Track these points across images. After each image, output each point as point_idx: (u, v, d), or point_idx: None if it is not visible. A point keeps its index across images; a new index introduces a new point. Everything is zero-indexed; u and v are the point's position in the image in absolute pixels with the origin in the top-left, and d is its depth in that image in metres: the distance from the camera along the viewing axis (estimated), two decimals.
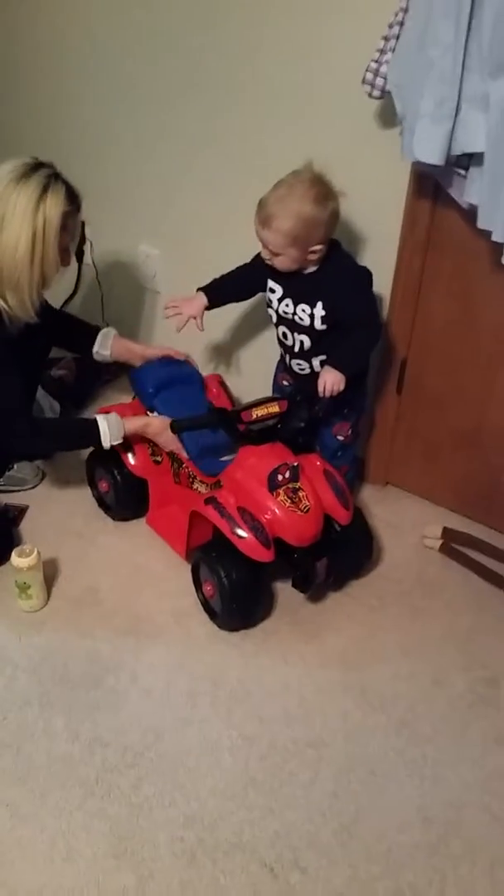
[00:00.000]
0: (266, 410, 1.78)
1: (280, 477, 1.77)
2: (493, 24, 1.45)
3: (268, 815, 1.47)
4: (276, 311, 1.92)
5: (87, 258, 2.56)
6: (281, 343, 2.00)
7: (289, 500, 1.76)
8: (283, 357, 2.06)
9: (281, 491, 1.77)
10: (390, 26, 1.63)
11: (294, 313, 1.87)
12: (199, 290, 2.01)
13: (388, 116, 1.81)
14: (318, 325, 1.85)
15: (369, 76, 1.68)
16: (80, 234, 2.48)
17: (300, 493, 1.78)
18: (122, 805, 1.48)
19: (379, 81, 1.67)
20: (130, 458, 2.02)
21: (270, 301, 1.92)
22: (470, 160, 1.63)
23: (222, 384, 2.22)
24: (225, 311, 2.12)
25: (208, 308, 2.01)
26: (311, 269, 1.81)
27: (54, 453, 2.06)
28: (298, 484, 1.79)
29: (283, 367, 2.09)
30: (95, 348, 2.13)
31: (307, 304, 1.84)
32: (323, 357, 1.89)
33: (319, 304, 1.81)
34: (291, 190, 1.70)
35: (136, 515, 2.12)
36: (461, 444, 2.09)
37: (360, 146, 1.90)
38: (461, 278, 1.91)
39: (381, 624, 1.87)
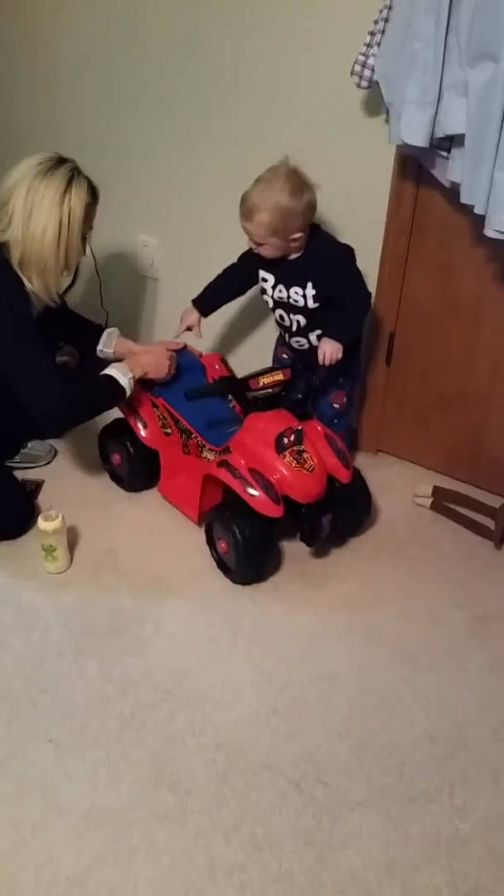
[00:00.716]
0: (272, 378, 1.93)
1: (286, 440, 1.92)
2: (469, 18, 1.62)
3: (290, 738, 1.62)
4: (272, 297, 2.08)
5: (86, 248, 2.69)
6: (279, 324, 2.16)
7: (295, 461, 1.91)
8: (281, 335, 2.22)
9: (287, 453, 1.92)
10: (375, 22, 1.79)
11: (288, 297, 2.04)
12: (192, 301, 2.18)
13: (374, 107, 1.97)
14: (310, 304, 2.01)
15: (357, 68, 1.84)
16: None
17: (305, 455, 1.93)
18: (156, 736, 1.61)
19: (367, 73, 1.84)
20: (142, 431, 2.15)
21: (265, 289, 2.09)
22: (451, 142, 1.79)
23: (223, 361, 2.36)
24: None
25: (204, 316, 2.18)
26: (296, 254, 1.98)
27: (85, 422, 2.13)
28: (303, 446, 1.94)
29: (282, 343, 2.25)
30: (99, 346, 2.23)
31: (298, 286, 2.00)
32: (318, 332, 2.05)
33: (309, 285, 1.98)
34: (269, 184, 1.87)
35: (147, 486, 2.25)
36: (446, 410, 2.26)
37: (348, 136, 2.06)
38: (443, 254, 2.08)
39: (381, 572, 2.03)
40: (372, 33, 1.81)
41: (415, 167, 1.99)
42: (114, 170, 2.56)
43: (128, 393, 2.03)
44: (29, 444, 2.30)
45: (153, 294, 2.70)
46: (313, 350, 2.00)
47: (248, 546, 1.89)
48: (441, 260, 2.09)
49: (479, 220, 1.80)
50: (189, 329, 2.21)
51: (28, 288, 1.91)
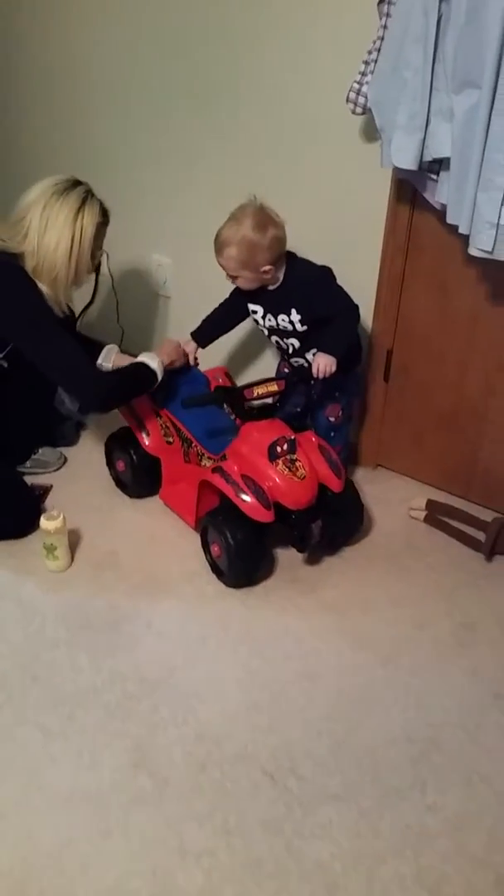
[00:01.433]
0: (266, 389, 2.01)
1: (279, 449, 1.99)
2: (454, 49, 1.71)
3: (269, 733, 1.67)
4: (265, 327, 2.20)
5: (104, 268, 2.81)
6: (278, 348, 2.26)
7: (287, 469, 1.98)
8: (282, 355, 2.31)
9: (280, 461, 1.98)
10: (369, 52, 1.89)
11: (277, 324, 2.15)
12: (191, 334, 2.30)
13: (370, 133, 2.07)
14: (299, 328, 2.12)
15: (352, 95, 1.94)
16: None
17: (297, 463, 2.00)
18: (140, 725, 1.67)
19: (361, 100, 1.93)
20: (145, 439, 2.24)
21: (257, 320, 2.21)
22: (440, 166, 1.88)
23: (228, 375, 2.45)
24: None
25: (202, 347, 2.30)
26: (275, 285, 2.10)
27: (122, 404, 2.24)
28: (296, 455, 2.01)
29: (283, 360, 2.33)
30: (99, 360, 2.31)
31: (284, 313, 2.11)
32: (314, 350, 2.14)
33: (293, 311, 2.09)
34: (237, 221, 2.00)
35: (150, 493, 2.33)
36: (442, 426, 2.31)
37: (346, 160, 2.16)
38: (438, 274, 2.15)
39: (371, 580, 2.08)
40: (366, 62, 1.90)
41: (410, 190, 2.07)
42: (131, 194, 2.70)
43: (159, 377, 2.13)
44: (39, 451, 2.40)
45: (165, 312, 2.81)
46: (309, 365, 2.09)
47: (239, 550, 1.96)
48: (436, 279, 2.16)
49: (467, 240, 1.87)
50: (186, 358, 2.31)
51: (45, 292, 2.03)
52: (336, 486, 2.04)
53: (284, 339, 2.17)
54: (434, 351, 2.24)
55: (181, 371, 2.30)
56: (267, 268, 2.02)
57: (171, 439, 2.26)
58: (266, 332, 2.22)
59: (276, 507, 1.96)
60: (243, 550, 1.97)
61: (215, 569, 2.05)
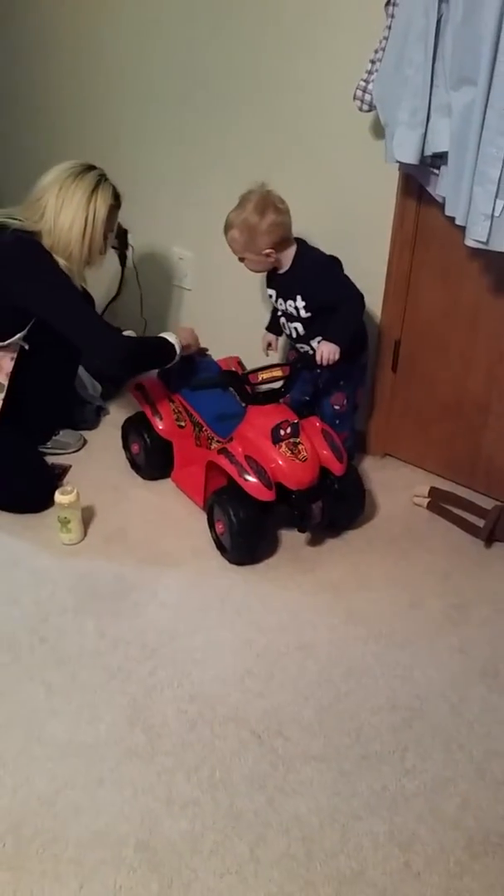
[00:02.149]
0: (271, 374, 2.10)
1: (282, 432, 2.07)
2: (451, 47, 1.78)
3: (259, 697, 1.75)
4: (279, 309, 2.29)
5: (129, 262, 2.94)
6: (285, 332, 2.34)
7: (289, 451, 2.06)
8: (292, 347, 2.40)
9: (283, 444, 2.07)
10: (375, 51, 1.97)
11: (286, 308, 2.24)
12: (266, 329, 2.44)
13: (378, 130, 2.14)
14: (303, 314, 2.20)
15: (359, 93, 2.02)
16: (124, 241, 2.88)
17: (300, 446, 2.08)
18: (138, 685, 1.77)
19: (367, 97, 2.01)
20: (159, 423, 2.34)
21: (274, 303, 2.30)
22: (441, 160, 1.94)
23: (240, 364, 2.54)
24: (244, 307, 2.48)
25: (277, 336, 2.43)
26: (284, 269, 2.19)
27: (141, 372, 2.38)
28: (298, 439, 2.09)
29: (292, 348, 2.42)
30: None
31: (291, 298, 2.21)
32: (319, 339, 2.21)
33: (299, 297, 2.18)
34: (242, 206, 2.12)
35: (163, 476, 2.43)
36: (447, 416, 2.37)
37: (356, 156, 2.23)
38: (444, 266, 2.21)
39: (370, 561, 2.15)
40: (372, 61, 1.98)
41: (417, 184, 2.13)
42: (154, 189, 2.82)
43: (178, 351, 2.24)
44: (60, 433, 2.51)
45: (186, 304, 2.91)
46: (314, 352, 2.17)
47: (241, 528, 2.05)
48: (442, 271, 2.22)
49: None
50: (270, 346, 2.45)
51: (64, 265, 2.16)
52: (337, 469, 2.11)
53: (289, 323, 2.26)
54: (440, 342, 2.30)
55: (195, 359, 2.40)
56: (268, 251, 2.12)
57: (183, 423, 2.35)
58: (280, 314, 2.31)
59: (278, 488, 2.05)
60: (245, 528, 2.05)
61: (219, 545, 2.14)
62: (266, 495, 2.01)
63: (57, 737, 1.66)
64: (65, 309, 2.15)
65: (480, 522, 2.23)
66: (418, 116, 1.88)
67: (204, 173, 2.66)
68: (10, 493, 2.26)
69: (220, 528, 2.12)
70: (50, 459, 2.46)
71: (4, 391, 2.22)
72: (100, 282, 3.06)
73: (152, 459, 2.41)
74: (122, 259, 2.95)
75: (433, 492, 2.33)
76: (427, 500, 2.33)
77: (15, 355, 2.21)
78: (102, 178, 2.17)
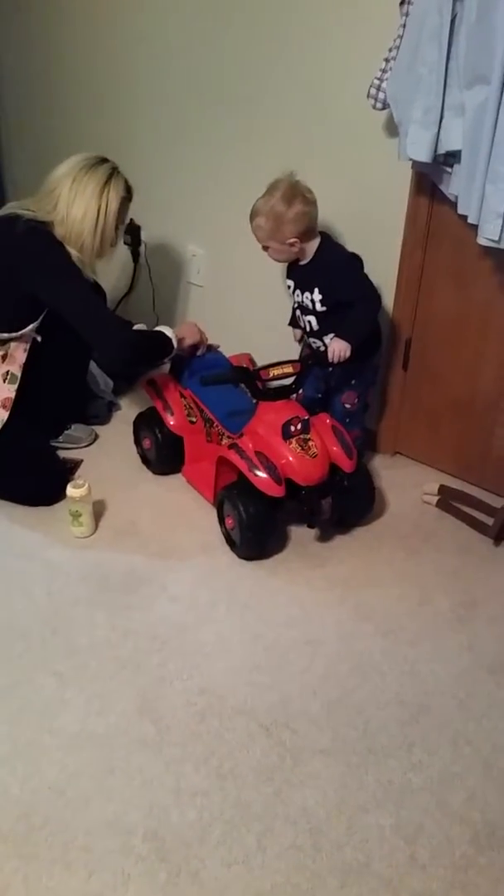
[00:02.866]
0: (281, 370, 2.11)
1: (293, 428, 2.09)
2: (465, 46, 1.79)
3: (267, 690, 1.77)
4: (295, 301, 2.30)
5: (142, 258, 2.96)
6: (300, 326, 2.35)
7: (299, 448, 2.07)
8: (303, 336, 2.40)
9: (293, 440, 2.08)
10: (390, 50, 1.98)
11: (302, 300, 2.24)
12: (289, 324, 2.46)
13: (392, 129, 2.15)
14: (318, 307, 2.21)
15: (373, 91, 2.03)
16: (137, 237, 2.90)
17: (310, 443, 2.09)
18: (147, 677, 1.79)
19: (381, 95, 2.02)
20: (170, 419, 2.36)
21: (291, 295, 2.30)
22: (454, 159, 1.95)
23: (252, 361, 2.56)
24: (255, 304, 2.48)
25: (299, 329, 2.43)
26: (306, 260, 2.20)
27: (141, 371, 2.46)
28: (309, 435, 2.10)
29: (305, 345, 2.43)
30: None
31: (308, 291, 2.21)
32: (332, 335, 2.22)
33: (316, 290, 2.18)
34: (269, 194, 2.13)
35: (173, 471, 2.45)
36: (457, 414, 2.38)
37: (368, 154, 2.25)
38: (455, 264, 2.22)
39: (379, 558, 2.16)
40: (387, 60, 1.99)
41: (429, 183, 2.14)
42: (168, 186, 2.83)
43: (174, 344, 2.28)
44: (72, 427, 2.53)
45: (198, 301, 2.93)
46: (326, 349, 2.18)
47: (251, 523, 2.06)
48: (454, 270, 2.23)
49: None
50: (301, 338, 2.46)
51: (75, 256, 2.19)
52: (347, 466, 2.12)
53: (304, 317, 2.28)
54: (451, 340, 2.31)
55: (206, 356, 2.42)
56: (292, 240, 2.13)
57: (194, 419, 2.37)
58: (295, 306, 2.33)
59: (288, 483, 2.06)
60: (255, 523, 2.07)
61: (229, 540, 2.16)
62: (275, 491, 2.03)
63: (67, 727, 1.67)
64: (73, 300, 2.17)
65: (490, 520, 2.23)
66: (432, 115, 1.89)
67: (217, 170, 2.67)
68: (22, 487, 2.28)
69: (229, 523, 2.13)
70: (62, 454, 2.48)
71: (18, 382, 2.24)
72: (112, 277, 3.09)
73: (163, 454, 2.42)
74: (135, 255, 2.97)
75: (443, 490, 2.34)
76: (437, 498, 2.33)
77: (28, 347, 2.23)
78: (115, 171, 2.21)
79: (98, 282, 2.35)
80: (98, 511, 2.25)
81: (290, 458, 2.06)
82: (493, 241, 1.86)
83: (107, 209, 2.17)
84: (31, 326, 2.20)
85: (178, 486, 2.41)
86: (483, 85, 1.78)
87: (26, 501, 2.27)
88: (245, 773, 1.59)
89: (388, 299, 2.35)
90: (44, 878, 1.40)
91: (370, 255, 2.24)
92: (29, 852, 1.44)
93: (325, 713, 1.72)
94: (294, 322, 2.42)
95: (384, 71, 2.00)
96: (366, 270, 2.19)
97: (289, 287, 2.30)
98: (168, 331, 2.29)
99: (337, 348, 2.12)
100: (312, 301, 2.19)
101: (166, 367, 2.45)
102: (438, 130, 1.90)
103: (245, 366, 2.49)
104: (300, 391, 2.23)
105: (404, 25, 1.92)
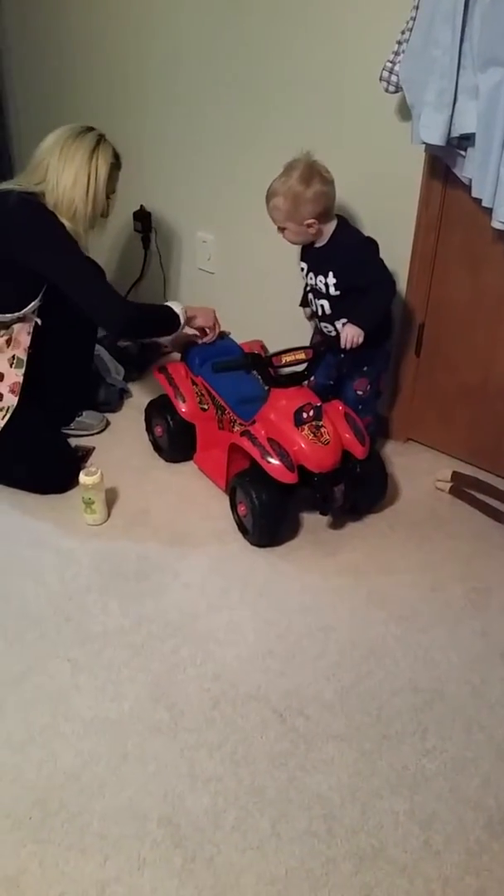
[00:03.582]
0: (294, 357, 2.10)
1: (305, 415, 2.08)
2: (479, 27, 1.76)
3: (281, 676, 1.77)
4: (308, 284, 2.28)
5: (153, 245, 2.95)
6: (312, 309, 2.34)
7: (312, 434, 2.07)
8: (315, 322, 2.39)
9: (306, 427, 2.07)
10: (402, 32, 1.95)
11: (316, 283, 2.23)
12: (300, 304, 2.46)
13: (405, 112, 2.13)
14: (332, 291, 2.19)
15: (385, 74, 2.00)
16: (148, 224, 2.89)
17: (322, 429, 2.08)
18: (161, 663, 1.79)
19: (393, 78, 2.00)
20: (182, 406, 2.36)
21: (304, 277, 2.29)
22: (468, 142, 1.93)
23: (263, 348, 2.55)
24: (266, 290, 2.46)
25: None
26: (321, 243, 2.18)
27: (144, 338, 2.46)
28: (321, 422, 2.09)
29: (316, 331, 2.42)
30: None
31: (322, 274, 2.19)
32: (344, 320, 2.21)
33: (331, 273, 2.16)
34: (287, 174, 2.10)
35: (185, 458, 2.45)
36: (471, 400, 2.37)
37: (381, 138, 2.22)
38: (469, 249, 2.20)
39: (392, 545, 2.15)
40: (399, 42, 1.97)
41: (443, 167, 2.12)
42: (179, 172, 2.82)
43: (181, 320, 2.27)
44: (83, 414, 2.53)
45: (209, 287, 2.91)
46: (338, 335, 2.17)
47: (263, 510, 2.06)
48: (467, 255, 2.21)
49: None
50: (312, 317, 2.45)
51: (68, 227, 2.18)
52: (360, 452, 2.11)
53: (317, 300, 2.26)
54: (464, 326, 2.29)
55: (217, 342, 2.41)
56: (310, 221, 2.10)
57: (205, 406, 2.37)
58: (307, 289, 2.31)
59: (300, 470, 2.05)
60: (267, 510, 2.06)
61: (241, 527, 2.16)
62: (288, 478, 2.02)
63: (82, 713, 1.68)
64: (70, 269, 2.16)
65: (502, 507, 2.22)
66: (445, 98, 1.87)
67: (227, 156, 2.66)
68: (34, 474, 2.29)
69: (242, 510, 2.13)
70: (73, 441, 2.48)
71: (24, 367, 2.24)
72: (123, 264, 3.09)
73: (175, 442, 2.42)
74: (146, 242, 2.96)
75: (456, 476, 2.33)
76: (450, 485, 2.32)
77: (31, 330, 2.23)
78: (102, 138, 2.21)
79: (92, 258, 2.32)
80: (110, 498, 2.25)
81: (303, 445, 2.05)
82: None
83: (97, 174, 2.17)
84: (32, 304, 2.19)
85: (190, 474, 2.41)
86: (498, 67, 1.75)
87: (38, 489, 2.28)
88: (259, 759, 1.59)
89: (402, 284, 2.33)
90: (59, 864, 1.41)
91: (383, 239, 2.21)
92: (44, 838, 1.45)
93: (339, 699, 1.72)
94: (305, 302, 2.41)
95: (396, 53, 1.98)
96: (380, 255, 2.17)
97: (302, 269, 2.28)
98: (177, 306, 2.29)
99: (350, 333, 2.11)
100: (326, 284, 2.18)
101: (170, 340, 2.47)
102: (452, 113, 1.88)
103: (257, 352, 2.49)
104: (312, 378, 2.22)
105: (417, 7, 1.89)
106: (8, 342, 2.22)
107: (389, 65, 1.99)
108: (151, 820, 1.48)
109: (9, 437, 2.22)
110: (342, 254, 2.15)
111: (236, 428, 2.29)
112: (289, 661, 1.80)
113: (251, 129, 2.55)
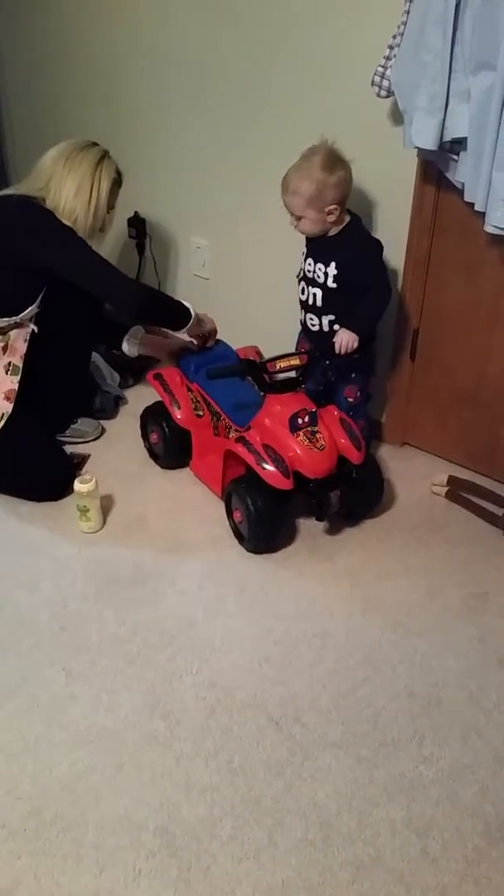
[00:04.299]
0: (288, 363, 2.09)
1: (300, 420, 2.07)
2: (470, 31, 1.76)
3: (277, 684, 1.76)
4: (303, 269, 2.27)
5: (147, 251, 2.94)
6: (300, 299, 2.32)
7: (307, 440, 2.06)
8: (301, 320, 2.36)
9: (301, 433, 2.07)
10: (394, 37, 1.95)
11: (313, 271, 2.21)
12: None
13: (397, 116, 2.13)
14: (329, 282, 2.18)
15: (377, 79, 2.00)
16: (142, 230, 2.88)
17: (317, 435, 2.07)
18: (156, 672, 1.78)
19: (385, 83, 2.00)
20: (177, 412, 2.35)
21: (303, 263, 2.27)
22: (460, 146, 1.93)
23: (259, 354, 2.53)
24: (261, 296, 2.46)
25: None
26: (333, 232, 2.16)
27: (157, 323, 2.44)
28: (316, 427, 2.09)
29: (302, 333, 2.40)
30: (126, 338, 2.50)
31: (323, 263, 2.18)
32: (332, 317, 2.20)
33: (333, 264, 2.15)
34: (307, 160, 2.09)
35: (181, 465, 2.44)
36: (466, 404, 2.36)
37: (373, 142, 2.22)
38: (463, 254, 2.20)
39: (388, 551, 2.14)
40: (391, 47, 1.97)
41: (436, 171, 2.12)
42: (172, 178, 2.82)
43: (192, 316, 2.28)
44: (78, 421, 2.53)
45: (204, 293, 2.91)
46: (327, 337, 2.16)
47: (259, 516, 2.05)
48: (461, 259, 2.21)
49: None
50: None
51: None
52: (355, 457, 2.11)
53: (310, 288, 2.23)
54: (459, 330, 2.29)
55: (213, 348, 2.40)
56: (332, 207, 2.09)
57: (201, 413, 2.36)
58: (300, 275, 2.29)
59: (296, 476, 2.05)
60: (263, 517, 2.06)
61: (237, 534, 2.15)
62: (283, 484, 2.02)
63: (77, 722, 1.67)
64: (79, 257, 2.17)
65: (500, 511, 2.22)
66: (437, 102, 1.87)
67: (221, 161, 2.66)
68: (29, 482, 2.28)
69: (237, 516, 2.12)
70: (68, 448, 2.47)
71: (20, 374, 2.23)
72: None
73: (171, 448, 2.42)
74: (140, 248, 2.96)
75: (452, 480, 2.32)
76: (446, 489, 2.32)
77: (27, 337, 2.23)
78: (106, 154, 2.24)
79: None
80: (106, 506, 2.24)
81: (298, 451, 2.04)
82: (500, 228, 1.84)
83: (99, 187, 2.19)
84: (29, 310, 2.19)
85: (185, 480, 2.40)
86: (489, 71, 1.75)
87: (33, 497, 2.27)
88: (255, 768, 1.59)
89: (396, 288, 2.33)
90: (55, 874, 1.40)
91: None
92: (40, 848, 1.44)
93: (335, 706, 1.71)
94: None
95: (388, 58, 1.98)
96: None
97: (303, 254, 2.26)
98: (189, 304, 2.30)
99: (345, 339, 2.11)
100: (325, 274, 2.16)
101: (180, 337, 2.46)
102: (444, 117, 1.88)
103: (252, 358, 2.49)
104: (305, 383, 2.21)
105: (408, 11, 1.89)
106: (4, 349, 2.22)
107: (381, 69, 1.99)
108: (147, 830, 1.47)
109: (3, 445, 2.21)
110: (350, 247, 2.14)
111: (232, 434, 2.28)
112: (285, 669, 1.80)
113: (244, 135, 2.55)
